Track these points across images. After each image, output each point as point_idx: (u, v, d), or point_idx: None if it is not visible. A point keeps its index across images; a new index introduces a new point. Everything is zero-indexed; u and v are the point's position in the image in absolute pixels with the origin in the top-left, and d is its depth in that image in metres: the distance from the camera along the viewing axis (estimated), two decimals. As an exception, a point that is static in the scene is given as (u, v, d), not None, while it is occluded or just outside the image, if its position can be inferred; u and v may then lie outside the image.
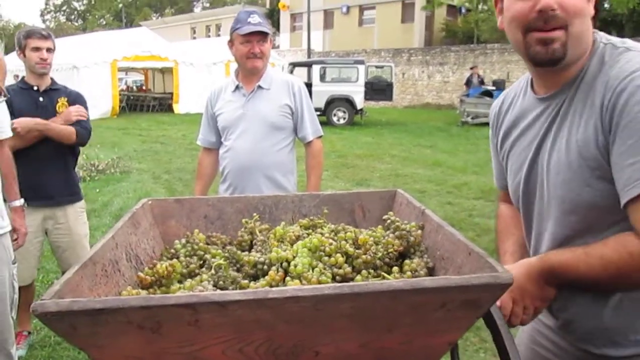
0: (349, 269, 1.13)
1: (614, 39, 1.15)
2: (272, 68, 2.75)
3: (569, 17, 1.07)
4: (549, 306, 1.23)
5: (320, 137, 2.77)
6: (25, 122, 2.80)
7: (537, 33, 1.10)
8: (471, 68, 18.16)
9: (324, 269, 1.11)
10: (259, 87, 2.60)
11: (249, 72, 2.59)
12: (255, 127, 2.57)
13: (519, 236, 1.40)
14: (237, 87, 2.64)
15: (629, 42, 1.13)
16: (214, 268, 1.20)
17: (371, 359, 0.98)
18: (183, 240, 1.37)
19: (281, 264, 1.15)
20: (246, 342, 0.90)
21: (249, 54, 2.51)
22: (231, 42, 2.59)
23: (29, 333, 3.16)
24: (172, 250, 1.34)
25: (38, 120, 2.85)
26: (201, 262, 1.29)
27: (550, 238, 1.23)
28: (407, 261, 1.19)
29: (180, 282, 1.19)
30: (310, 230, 1.36)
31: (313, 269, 1.11)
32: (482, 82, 16.61)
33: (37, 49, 2.87)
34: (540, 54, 1.11)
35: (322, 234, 1.26)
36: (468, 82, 16.95)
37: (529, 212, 1.30)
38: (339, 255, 1.15)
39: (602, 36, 1.16)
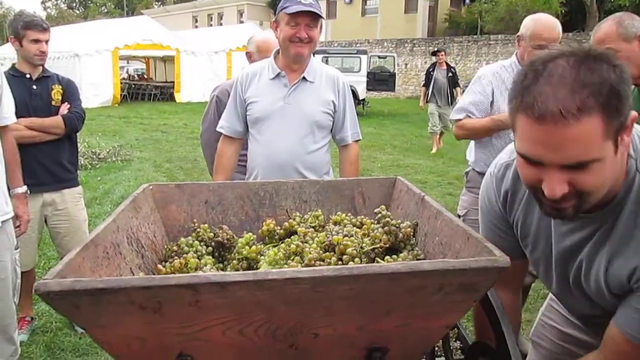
0: (312, 256, 1.16)
1: None
2: (314, 58, 2.42)
3: (582, 192, 0.98)
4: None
5: (358, 141, 2.53)
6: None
7: (547, 201, 1.00)
8: (434, 53, 10.66)
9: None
10: (304, 78, 2.32)
11: (292, 59, 2.28)
12: (296, 123, 2.31)
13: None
14: (277, 75, 2.33)
15: None
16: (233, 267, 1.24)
17: (369, 341, 0.99)
18: (189, 239, 1.37)
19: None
20: (246, 324, 0.91)
21: (294, 37, 2.20)
22: (276, 23, 2.29)
23: (32, 319, 3.19)
24: (175, 248, 1.34)
25: (20, 125, 2.79)
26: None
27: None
28: (394, 256, 1.21)
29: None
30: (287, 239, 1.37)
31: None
32: (454, 77, 9.82)
33: (37, 41, 2.84)
34: (549, 213, 1.05)
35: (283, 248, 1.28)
36: (428, 76, 9.94)
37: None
38: (297, 258, 1.19)
39: (637, 158, 1.05)
